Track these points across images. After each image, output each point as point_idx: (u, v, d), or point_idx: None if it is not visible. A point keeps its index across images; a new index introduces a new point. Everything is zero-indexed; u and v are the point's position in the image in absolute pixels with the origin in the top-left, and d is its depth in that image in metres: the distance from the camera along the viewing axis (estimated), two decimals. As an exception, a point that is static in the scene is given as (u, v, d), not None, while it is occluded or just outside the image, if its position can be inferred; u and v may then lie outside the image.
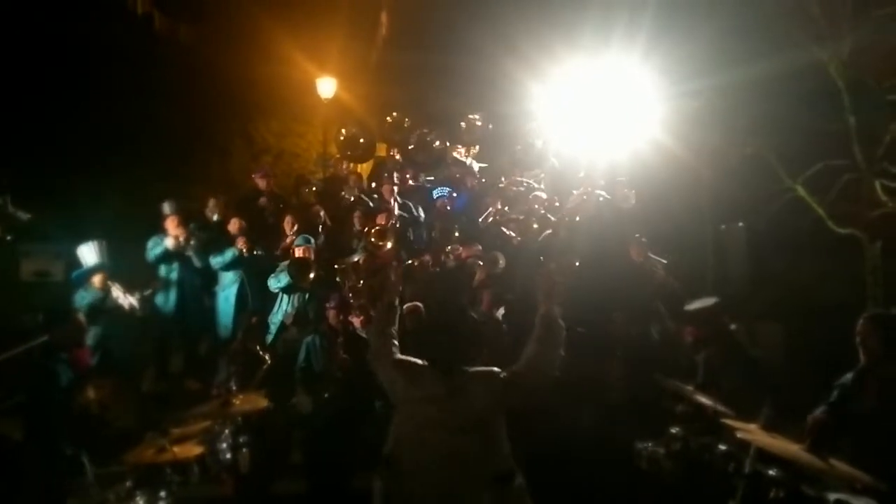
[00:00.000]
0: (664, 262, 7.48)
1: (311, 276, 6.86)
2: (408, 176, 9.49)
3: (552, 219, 8.39)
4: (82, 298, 6.25)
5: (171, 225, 7.08)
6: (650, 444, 4.36)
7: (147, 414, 4.79)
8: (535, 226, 8.31)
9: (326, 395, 5.78)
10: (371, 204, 8.80)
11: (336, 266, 7.06)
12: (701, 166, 9.80)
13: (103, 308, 6.30)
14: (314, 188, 9.05)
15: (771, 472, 3.57)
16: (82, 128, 9.34)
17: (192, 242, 7.10)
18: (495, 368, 3.01)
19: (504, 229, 8.33)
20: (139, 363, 6.98)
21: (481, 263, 7.28)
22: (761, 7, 8.82)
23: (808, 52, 8.56)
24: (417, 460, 2.90)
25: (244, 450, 4.63)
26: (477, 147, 10.49)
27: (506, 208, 8.78)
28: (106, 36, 9.87)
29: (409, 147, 9.15)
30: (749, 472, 3.59)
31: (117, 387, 4.39)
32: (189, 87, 10.75)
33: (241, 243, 7.21)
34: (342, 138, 9.19)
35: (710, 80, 9.03)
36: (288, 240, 7.61)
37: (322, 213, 8.22)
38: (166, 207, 7.23)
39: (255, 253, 7.35)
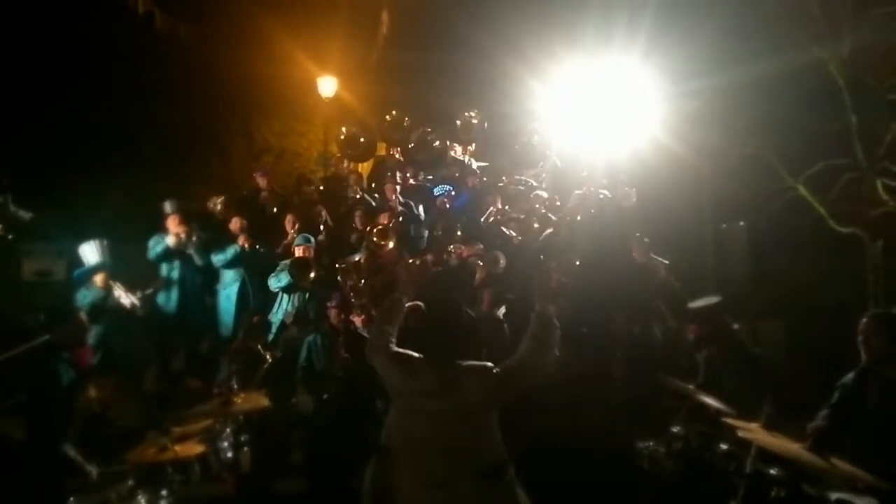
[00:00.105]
0: (666, 262, 7.49)
1: (312, 275, 6.87)
2: (408, 175, 9.51)
3: (553, 218, 8.40)
4: (84, 297, 6.25)
5: (173, 223, 7.10)
6: (651, 443, 4.35)
7: (148, 413, 4.80)
8: (536, 225, 8.32)
9: (327, 395, 5.79)
10: (373, 203, 8.81)
11: (337, 265, 7.06)
12: (702, 166, 9.80)
13: (105, 307, 6.31)
14: (320, 187, 9.05)
15: (772, 472, 3.56)
16: (83, 127, 9.33)
17: (193, 239, 7.11)
18: (489, 364, 3.04)
19: (505, 229, 8.34)
20: (140, 362, 6.98)
21: (481, 263, 7.29)
22: (761, 7, 8.82)
23: (808, 51, 8.56)
24: (410, 451, 2.94)
25: (245, 449, 4.63)
26: (473, 145, 10.49)
27: (506, 207, 8.79)
28: (106, 35, 9.86)
29: (410, 146, 9.17)
30: (750, 472, 3.59)
31: (119, 386, 4.40)
32: (190, 87, 10.75)
33: (242, 240, 7.23)
34: (343, 137, 9.21)
35: (710, 79, 9.03)
36: (289, 238, 7.63)
37: (323, 213, 8.23)
38: (167, 206, 7.25)
39: (256, 248, 7.36)
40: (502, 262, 7.38)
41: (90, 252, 6.49)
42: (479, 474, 2.90)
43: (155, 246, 7.08)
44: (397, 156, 10.06)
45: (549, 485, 4.39)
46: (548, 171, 9.92)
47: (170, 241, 7.05)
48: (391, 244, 7.29)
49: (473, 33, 11.03)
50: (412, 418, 3.00)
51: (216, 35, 11.60)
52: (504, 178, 9.80)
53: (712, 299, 5.09)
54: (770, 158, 9.04)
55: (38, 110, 9.09)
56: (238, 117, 12.77)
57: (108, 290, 6.37)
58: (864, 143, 8.55)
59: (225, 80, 11.30)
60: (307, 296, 7.07)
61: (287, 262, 7.03)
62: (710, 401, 4.18)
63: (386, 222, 7.66)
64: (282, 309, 7.06)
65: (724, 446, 3.92)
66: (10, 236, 6.52)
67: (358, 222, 8.04)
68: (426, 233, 8.77)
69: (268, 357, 5.95)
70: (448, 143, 9.77)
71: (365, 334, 5.88)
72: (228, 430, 4.61)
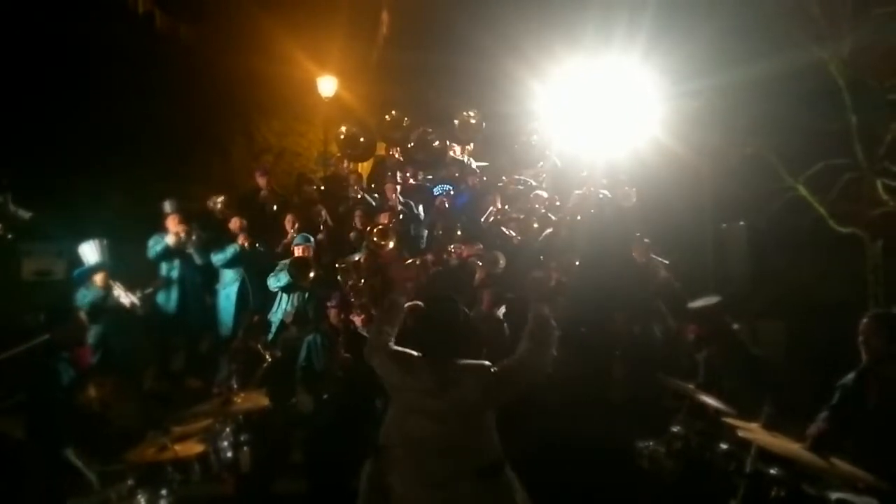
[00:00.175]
0: (666, 262, 7.49)
1: (311, 274, 6.87)
2: (408, 174, 9.51)
3: (553, 218, 8.40)
4: (84, 297, 6.25)
5: (172, 222, 7.10)
6: (651, 443, 4.36)
7: (148, 412, 4.80)
8: (536, 225, 8.32)
9: (327, 395, 5.79)
10: (373, 203, 8.81)
11: (337, 265, 7.06)
12: (702, 166, 9.81)
13: (105, 307, 6.30)
14: (321, 187, 9.04)
15: (772, 471, 3.57)
16: (83, 127, 9.32)
17: (193, 238, 7.11)
18: (487, 363, 3.06)
19: (505, 228, 8.34)
20: (140, 362, 6.97)
21: (480, 263, 7.29)
22: (761, 7, 8.82)
23: (808, 51, 8.56)
24: (408, 450, 2.96)
25: (245, 448, 4.63)
26: (472, 145, 10.49)
27: (506, 207, 8.79)
28: (106, 35, 9.85)
29: (409, 145, 9.17)
30: (750, 471, 3.59)
31: (118, 385, 4.40)
32: (190, 86, 10.73)
33: (242, 239, 7.23)
34: (342, 137, 9.21)
35: (710, 79, 9.03)
36: (288, 238, 7.63)
37: (323, 212, 8.23)
38: (167, 206, 7.26)
39: (256, 246, 7.36)
40: (502, 262, 7.39)
41: (90, 252, 6.49)
42: (477, 474, 2.91)
43: (155, 245, 7.09)
44: (397, 156, 10.06)
45: (550, 485, 4.40)
46: (548, 171, 9.92)
47: (169, 240, 7.06)
48: (391, 244, 7.28)
49: (473, 33, 11.03)
50: (411, 417, 3.01)
51: (216, 35, 11.58)
52: (504, 177, 9.80)
53: (712, 299, 5.10)
54: (770, 158, 9.04)
55: (39, 110, 9.08)
56: (238, 117, 12.75)
57: (107, 289, 6.37)
58: (864, 143, 8.54)
59: (225, 79, 11.29)
60: (306, 295, 7.07)
61: (286, 261, 7.03)
62: (709, 401, 4.18)
63: (386, 222, 7.66)
64: (281, 308, 7.06)
65: (724, 446, 3.93)
66: (9, 236, 6.52)
67: (358, 222, 8.04)
68: (425, 233, 8.77)
69: (267, 357, 5.95)
70: (448, 142, 9.76)
71: (365, 334, 5.88)
72: (228, 429, 4.62)
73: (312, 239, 7.37)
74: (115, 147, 9.59)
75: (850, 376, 4.03)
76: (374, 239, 7.23)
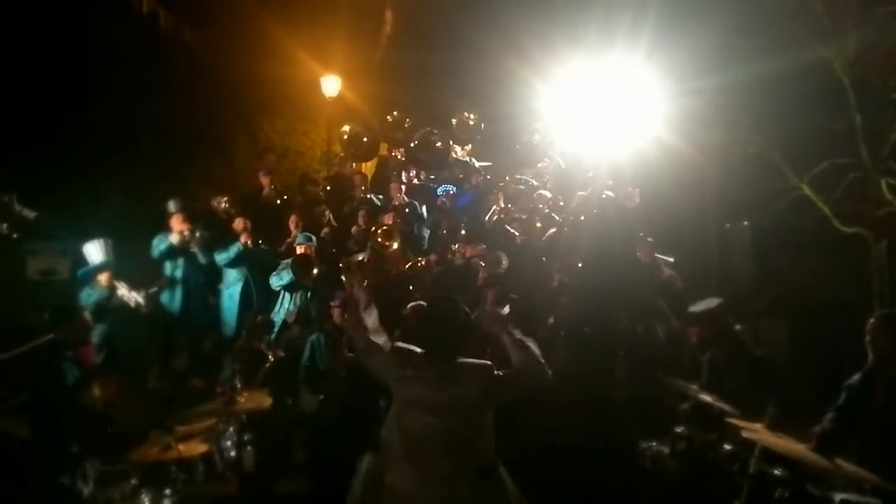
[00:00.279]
0: (671, 260, 7.46)
1: (314, 272, 6.88)
2: (412, 175, 9.52)
3: (557, 218, 8.41)
4: (88, 296, 6.26)
5: (176, 221, 7.12)
6: (654, 444, 4.35)
7: (152, 412, 4.80)
8: (539, 224, 8.32)
9: (330, 394, 5.79)
10: (378, 203, 8.82)
11: (341, 264, 7.07)
12: (705, 165, 9.78)
13: (109, 306, 6.32)
14: (327, 187, 9.05)
15: (776, 472, 3.56)
16: (87, 127, 9.34)
17: (197, 235, 7.13)
18: (488, 363, 3.12)
19: (508, 228, 8.34)
20: (144, 361, 7.00)
21: (483, 263, 7.28)
22: (765, 5, 8.78)
23: (812, 49, 8.52)
24: (406, 445, 2.99)
25: (248, 448, 4.65)
26: (470, 146, 10.50)
27: (510, 206, 8.79)
28: (110, 35, 9.88)
29: (412, 145, 9.18)
30: (754, 472, 3.58)
31: (123, 385, 4.39)
32: (194, 86, 10.76)
33: (245, 238, 7.24)
34: (346, 137, 9.22)
35: (713, 78, 9.00)
36: (291, 237, 7.64)
37: (327, 213, 8.24)
38: (171, 205, 7.28)
39: (259, 244, 7.37)
40: (504, 262, 7.38)
41: (94, 251, 6.50)
42: (475, 473, 2.96)
43: (159, 244, 7.11)
44: (399, 156, 10.07)
45: (553, 485, 4.40)
46: (552, 171, 9.92)
47: (173, 239, 7.08)
48: (395, 244, 7.29)
49: (476, 33, 11.02)
50: (411, 414, 3.04)
51: (220, 35, 11.61)
52: (507, 177, 9.81)
53: (713, 302, 5.09)
54: (774, 158, 9.01)
55: (43, 110, 9.10)
56: (241, 117, 12.77)
57: (112, 289, 6.38)
58: (869, 142, 8.51)
59: (228, 79, 11.32)
60: (309, 295, 7.08)
61: (289, 260, 7.05)
62: (713, 401, 4.17)
63: (390, 222, 7.66)
64: (284, 308, 7.07)
65: (727, 447, 3.92)
66: (14, 235, 6.53)
67: (361, 222, 8.05)
68: (428, 233, 8.78)
69: (270, 356, 5.95)
70: (450, 143, 9.78)
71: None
72: (232, 429, 4.63)
73: (314, 238, 7.38)
74: (119, 147, 9.62)
75: (856, 377, 4.02)
76: (379, 239, 7.23)
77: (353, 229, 8.03)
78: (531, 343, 3.23)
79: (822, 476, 3.43)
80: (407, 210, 8.55)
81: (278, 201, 8.51)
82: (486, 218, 8.64)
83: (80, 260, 6.64)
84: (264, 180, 8.73)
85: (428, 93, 12.14)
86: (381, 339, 3.31)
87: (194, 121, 11.05)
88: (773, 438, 3.48)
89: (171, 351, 7.34)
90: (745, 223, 9.64)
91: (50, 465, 4.11)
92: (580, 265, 6.99)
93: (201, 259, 7.28)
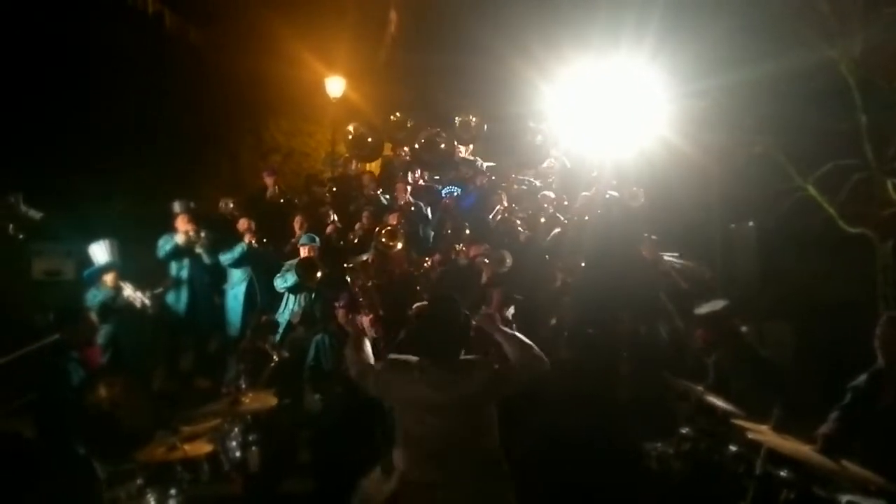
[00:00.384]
0: (677, 255, 7.43)
1: (318, 275, 6.88)
2: (417, 175, 9.53)
3: (562, 219, 8.40)
4: (94, 297, 6.28)
5: (181, 222, 7.14)
6: (659, 445, 4.34)
7: (158, 412, 4.81)
8: (543, 219, 8.33)
9: (335, 395, 5.79)
10: (385, 203, 8.83)
11: (346, 265, 7.07)
12: (710, 166, 9.77)
13: (114, 307, 6.33)
14: (333, 188, 9.05)
15: (782, 474, 3.55)
16: (93, 128, 9.38)
17: (202, 236, 7.15)
18: (488, 359, 3.19)
19: (513, 226, 8.34)
20: (150, 361, 7.01)
21: (487, 261, 7.28)
22: (770, 5, 8.76)
23: (817, 50, 8.49)
24: (411, 446, 3.04)
25: (254, 448, 4.66)
26: (472, 146, 10.49)
27: (514, 206, 8.79)
28: (116, 36, 9.91)
29: (416, 146, 9.19)
30: (760, 474, 3.58)
31: (128, 385, 4.41)
32: (199, 87, 10.79)
33: (248, 237, 7.26)
34: (350, 137, 9.23)
35: (718, 79, 8.98)
36: (296, 238, 7.65)
37: (331, 213, 8.25)
38: (176, 206, 7.30)
39: (263, 242, 7.38)
40: (508, 261, 7.37)
41: (100, 252, 6.52)
42: (480, 469, 3.00)
43: (164, 245, 7.12)
44: (405, 156, 10.08)
45: (558, 485, 4.40)
46: (557, 171, 9.91)
47: (179, 240, 7.09)
48: (399, 245, 7.28)
49: (482, 34, 11.03)
50: (416, 418, 3.06)
51: (225, 36, 11.64)
52: (512, 176, 9.81)
53: (718, 304, 5.08)
54: (779, 158, 8.99)
55: (48, 111, 9.13)
56: (246, 117, 12.80)
57: (117, 289, 6.39)
58: (874, 142, 8.47)
59: (233, 80, 11.34)
60: (313, 296, 7.08)
61: (293, 262, 7.05)
62: (719, 402, 4.16)
63: (394, 223, 7.66)
64: (288, 309, 7.07)
65: (733, 448, 3.91)
66: (20, 236, 6.55)
67: (365, 221, 8.05)
68: (432, 233, 8.78)
69: (275, 357, 5.96)
70: (455, 143, 9.78)
71: (374, 335, 5.90)
72: (237, 429, 4.64)
73: (317, 239, 7.39)
74: (124, 147, 9.65)
75: (862, 378, 4.00)
76: (383, 240, 7.22)
77: (357, 226, 8.03)
78: (523, 337, 3.27)
79: (828, 477, 3.42)
80: (413, 209, 8.55)
81: (282, 201, 8.52)
82: (490, 218, 8.64)
83: (86, 260, 6.66)
84: (268, 181, 8.75)
85: (432, 93, 12.15)
86: (371, 361, 3.36)
87: (199, 121, 11.08)
88: (778, 440, 3.47)
89: (176, 351, 7.36)
90: (750, 224, 9.62)
91: (56, 466, 4.13)
92: (583, 265, 6.98)
93: (206, 260, 7.29)
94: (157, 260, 7.20)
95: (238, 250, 7.30)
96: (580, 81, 10.04)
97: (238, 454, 4.65)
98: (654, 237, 7.42)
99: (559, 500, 4.50)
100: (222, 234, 7.53)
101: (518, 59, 10.63)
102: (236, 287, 7.48)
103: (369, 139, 9.26)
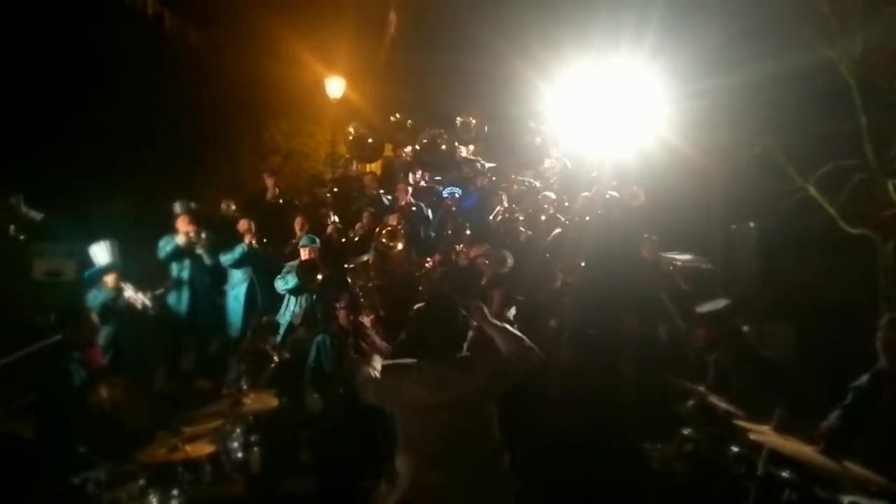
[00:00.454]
0: (678, 262, 7.43)
1: (319, 277, 6.88)
2: (419, 176, 9.54)
3: (562, 219, 8.40)
4: (95, 298, 6.28)
5: (182, 223, 7.14)
6: (661, 445, 4.34)
7: (159, 413, 4.81)
8: (543, 217, 8.34)
9: (336, 395, 5.80)
10: (387, 203, 8.83)
11: (346, 266, 7.07)
12: (710, 166, 9.77)
13: (115, 307, 6.33)
14: (334, 189, 9.05)
15: (784, 475, 3.54)
16: (93, 129, 9.38)
17: (203, 237, 7.15)
18: (484, 356, 3.21)
19: (513, 226, 8.34)
20: (151, 362, 7.01)
21: (487, 262, 7.28)
22: (770, 6, 8.76)
23: (818, 51, 8.49)
24: (419, 449, 3.03)
25: (255, 449, 4.66)
26: (472, 147, 10.50)
27: (514, 206, 8.79)
28: (116, 37, 9.91)
29: (418, 146, 9.20)
30: (761, 474, 3.57)
31: (129, 386, 4.41)
32: (198, 88, 10.79)
33: (249, 238, 7.26)
34: (351, 138, 9.24)
35: (718, 79, 8.98)
36: (296, 239, 7.65)
37: (332, 215, 8.24)
38: (177, 207, 7.30)
39: (264, 242, 7.38)
40: (509, 261, 7.37)
41: (100, 252, 6.52)
42: (482, 467, 3.02)
43: (165, 246, 7.12)
44: (406, 156, 10.08)
45: (558, 485, 4.40)
46: (557, 171, 9.92)
47: (179, 240, 7.09)
48: (399, 245, 7.28)
49: (481, 34, 11.04)
50: (417, 418, 3.07)
51: (225, 36, 11.65)
52: (512, 176, 9.81)
53: (720, 303, 5.06)
54: (779, 159, 8.99)
55: (48, 112, 9.13)
56: (246, 118, 12.80)
57: (118, 290, 6.39)
58: (875, 143, 8.47)
59: (233, 81, 11.35)
60: (314, 297, 7.08)
61: (293, 263, 7.05)
62: (720, 403, 4.16)
63: (395, 223, 7.65)
64: (289, 310, 7.07)
65: (735, 449, 3.91)
66: (21, 237, 6.55)
67: (366, 222, 8.05)
68: (433, 234, 8.78)
69: (275, 357, 5.96)
70: (456, 144, 9.79)
71: (373, 335, 5.90)
72: (238, 430, 4.64)
73: (317, 240, 7.39)
74: (125, 148, 9.65)
75: (864, 378, 4.00)
76: (383, 240, 7.22)
77: (357, 226, 8.03)
78: (513, 329, 3.34)
79: (830, 478, 3.42)
80: (413, 209, 8.55)
81: (280, 201, 8.51)
82: (491, 218, 8.64)
83: (87, 261, 6.65)
84: (269, 182, 8.74)
85: (432, 93, 12.15)
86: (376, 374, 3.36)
87: (199, 122, 11.08)
88: (780, 440, 3.47)
89: (177, 352, 7.36)
90: (751, 224, 9.61)
91: (57, 466, 4.13)
92: (583, 265, 6.98)
93: (207, 260, 7.29)
94: (157, 261, 7.20)
95: (238, 251, 7.30)
96: (580, 82, 10.05)
97: (239, 455, 4.65)
98: (654, 238, 7.42)
99: (561, 501, 4.50)
100: (223, 236, 7.53)
101: (518, 60, 10.64)
102: (237, 288, 7.48)
103: (370, 140, 9.27)
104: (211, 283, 7.55)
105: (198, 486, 4.20)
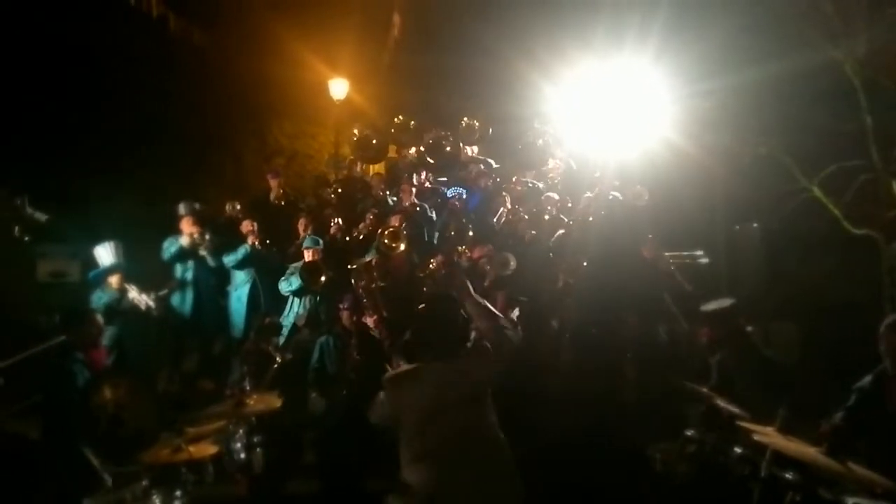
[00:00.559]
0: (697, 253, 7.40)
1: (322, 279, 6.89)
2: (423, 177, 9.53)
3: (566, 220, 8.39)
4: (99, 299, 6.31)
5: (186, 224, 7.16)
6: (663, 446, 4.33)
7: (162, 414, 4.83)
8: (546, 217, 8.33)
9: (339, 396, 5.80)
10: (391, 204, 8.83)
11: (349, 267, 7.08)
12: (714, 166, 9.74)
13: (119, 308, 6.36)
14: (338, 190, 9.06)
15: (787, 476, 3.53)
16: (98, 130, 9.42)
17: (207, 238, 7.16)
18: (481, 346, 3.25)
19: (517, 227, 8.33)
20: (155, 363, 7.03)
21: (489, 267, 7.26)
22: (774, 6, 8.74)
23: (822, 51, 8.47)
24: (426, 451, 3.01)
25: (258, 450, 4.66)
26: (476, 148, 10.49)
27: (517, 207, 8.78)
28: (120, 39, 9.96)
29: (423, 147, 9.20)
30: (765, 476, 3.55)
31: (133, 387, 4.42)
32: (203, 89, 10.82)
33: (252, 239, 7.27)
34: (355, 139, 9.25)
35: (723, 79, 8.95)
36: (299, 240, 7.66)
37: (336, 216, 8.24)
38: (181, 208, 7.33)
39: (267, 243, 7.40)
40: (512, 263, 7.37)
41: (105, 253, 6.55)
42: (489, 464, 3.03)
43: (169, 247, 7.15)
44: (410, 158, 10.08)
45: (560, 486, 4.39)
46: (561, 172, 9.90)
47: (184, 241, 7.11)
48: (402, 246, 7.27)
49: (485, 36, 11.02)
50: (424, 420, 3.06)
51: (229, 38, 11.68)
52: (514, 178, 9.80)
53: (725, 302, 5.04)
54: (783, 159, 8.96)
55: (52, 113, 9.17)
56: (250, 119, 12.83)
57: (122, 291, 6.42)
58: (880, 143, 8.44)
59: (237, 82, 11.38)
60: (318, 298, 7.09)
61: (297, 264, 7.06)
62: (723, 404, 4.14)
63: (397, 225, 7.65)
64: (293, 312, 7.08)
65: (738, 450, 3.89)
66: (25, 238, 6.58)
67: (369, 222, 8.04)
68: (436, 235, 8.77)
69: (277, 358, 5.97)
70: (461, 145, 9.79)
71: (377, 335, 5.91)
72: (241, 431, 4.65)
73: (321, 241, 7.39)
74: (129, 149, 9.69)
75: (867, 379, 3.99)
76: (385, 241, 7.22)
77: (361, 225, 8.03)
78: (493, 308, 3.37)
79: (834, 480, 3.40)
80: (417, 209, 8.54)
81: (283, 203, 8.52)
82: (495, 220, 8.63)
83: (91, 262, 6.68)
84: (273, 183, 8.76)
85: (436, 95, 12.14)
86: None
87: (204, 123, 11.12)
88: (784, 441, 3.45)
89: (181, 353, 7.37)
90: (755, 225, 9.59)
91: (60, 467, 4.14)
92: (585, 265, 6.96)
93: (211, 262, 7.31)
94: (161, 262, 7.22)
95: (241, 252, 7.31)
96: (584, 83, 10.02)
97: (243, 456, 4.65)
98: (651, 237, 7.40)
99: (561, 502, 4.49)
100: (227, 237, 7.55)
101: (521, 61, 10.63)
102: (240, 289, 7.49)
103: (374, 141, 9.28)
104: (216, 284, 7.57)
105: (201, 486, 4.22)
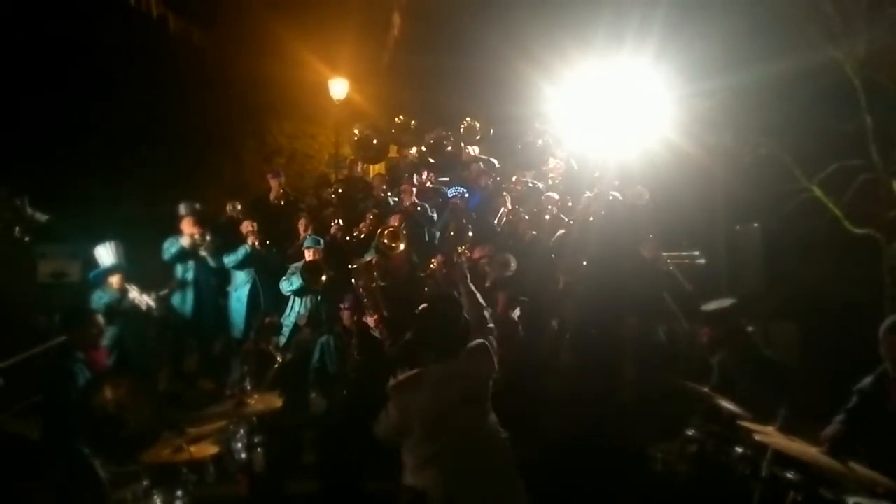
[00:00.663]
0: (697, 253, 7.40)
1: (323, 278, 6.89)
2: (424, 177, 9.53)
3: (566, 220, 8.39)
4: (100, 299, 6.30)
5: (187, 224, 7.16)
6: (664, 446, 4.33)
7: (163, 414, 4.83)
8: (547, 216, 8.33)
9: (340, 396, 5.80)
10: (392, 203, 8.84)
11: (350, 266, 7.08)
12: (714, 166, 9.74)
13: (120, 308, 6.35)
14: (339, 190, 9.06)
15: (788, 476, 3.53)
16: (98, 130, 9.43)
17: (207, 238, 7.17)
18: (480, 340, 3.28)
19: (518, 227, 8.34)
20: (155, 363, 7.03)
21: (489, 269, 7.26)
22: (774, 6, 8.74)
23: (822, 51, 8.46)
24: (431, 453, 3.01)
25: (259, 449, 4.67)
26: (477, 148, 10.50)
27: (517, 207, 8.79)
28: (120, 38, 9.95)
29: (424, 147, 9.20)
30: (766, 476, 3.56)
31: (134, 387, 4.42)
32: (203, 89, 10.83)
33: (252, 239, 7.27)
34: (356, 139, 9.26)
35: (722, 79, 8.95)
36: (300, 240, 7.66)
37: (336, 216, 8.24)
38: (182, 209, 7.33)
39: (267, 243, 7.40)
40: (513, 264, 7.36)
41: (105, 254, 6.54)
42: (489, 462, 3.04)
43: (170, 247, 7.15)
44: (411, 157, 10.08)
45: (561, 486, 4.39)
46: (562, 172, 9.91)
47: (184, 242, 7.12)
48: (401, 246, 7.27)
49: (485, 36, 11.02)
50: (429, 423, 3.05)
51: (229, 38, 11.68)
52: (514, 177, 9.81)
53: (726, 302, 5.04)
54: (784, 159, 8.96)
55: (54, 113, 9.17)
56: (250, 119, 12.84)
57: (123, 291, 6.42)
58: (880, 143, 8.44)
59: (237, 82, 11.39)
60: (319, 298, 7.09)
61: (298, 264, 7.06)
62: (725, 404, 4.14)
63: (397, 224, 7.65)
64: (294, 311, 7.08)
65: (739, 450, 3.89)
66: (26, 238, 6.58)
67: (369, 222, 8.04)
68: (437, 235, 8.77)
69: (278, 358, 5.97)
70: (462, 144, 9.80)
71: (377, 335, 5.91)
72: (242, 431, 4.65)
73: (321, 241, 7.40)
74: (129, 150, 9.70)
75: (867, 380, 3.98)
76: (385, 241, 7.22)
77: (361, 225, 8.03)
78: (480, 298, 3.57)
79: (835, 480, 3.40)
80: (419, 209, 8.54)
81: (282, 203, 8.52)
82: (495, 221, 8.63)
83: (92, 262, 6.68)
84: (273, 183, 8.76)
85: (436, 95, 12.14)
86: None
87: (203, 124, 11.13)
88: (785, 441, 3.45)
89: (181, 353, 7.38)
90: (756, 225, 9.58)
91: (61, 467, 4.14)
92: (585, 265, 6.97)
93: (211, 262, 7.31)
94: (162, 262, 7.22)
95: (242, 252, 7.31)
96: (584, 83, 10.03)
97: (243, 455, 4.66)
98: (650, 235, 7.40)
99: (561, 502, 4.49)
100: (228, 237, 7.55)
101: (521, 61, 10.63)
102: (240, 289, 7.49)
103: (374, 141, 9.29)
104: (216, 284, 7.58)
105: (202, 486, 4.21)
